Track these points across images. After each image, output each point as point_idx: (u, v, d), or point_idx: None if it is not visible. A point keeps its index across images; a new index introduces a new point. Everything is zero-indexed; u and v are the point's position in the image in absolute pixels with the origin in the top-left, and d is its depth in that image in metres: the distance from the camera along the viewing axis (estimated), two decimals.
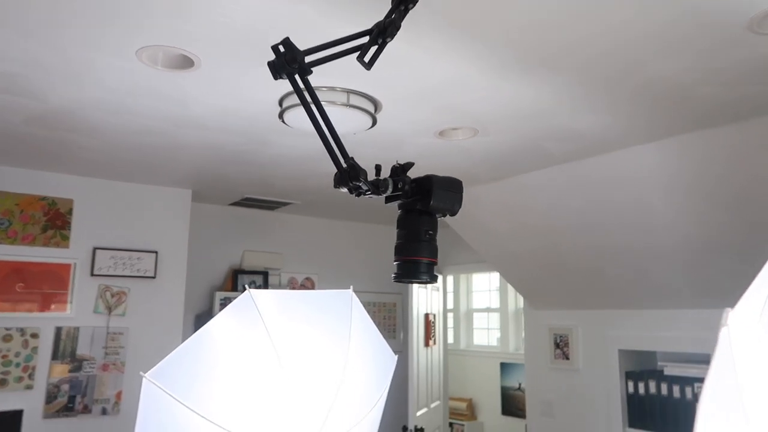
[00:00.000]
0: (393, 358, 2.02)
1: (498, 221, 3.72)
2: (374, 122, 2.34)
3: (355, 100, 2.18)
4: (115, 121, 2.56)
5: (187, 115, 2.46)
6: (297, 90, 1.11)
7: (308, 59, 1.14)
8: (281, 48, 1.09)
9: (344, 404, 1.75)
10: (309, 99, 1.11)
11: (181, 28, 1.72)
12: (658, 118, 2.43)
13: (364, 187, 1.14)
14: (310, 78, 1.13)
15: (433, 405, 5.01)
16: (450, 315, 6.54)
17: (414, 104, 2.31)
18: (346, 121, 2.21)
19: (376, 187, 1.16)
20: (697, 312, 3.34)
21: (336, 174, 1.15)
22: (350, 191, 1.15)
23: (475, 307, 6.73)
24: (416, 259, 1.18)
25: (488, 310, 6.58)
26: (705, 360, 3.28)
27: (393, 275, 1.19)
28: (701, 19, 1.66)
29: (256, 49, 1.83)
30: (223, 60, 1.92)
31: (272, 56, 1.10)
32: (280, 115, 2.31)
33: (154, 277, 3.76)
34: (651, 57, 1.89)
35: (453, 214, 1.19)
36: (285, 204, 4.46)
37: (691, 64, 1.92)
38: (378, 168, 1.23)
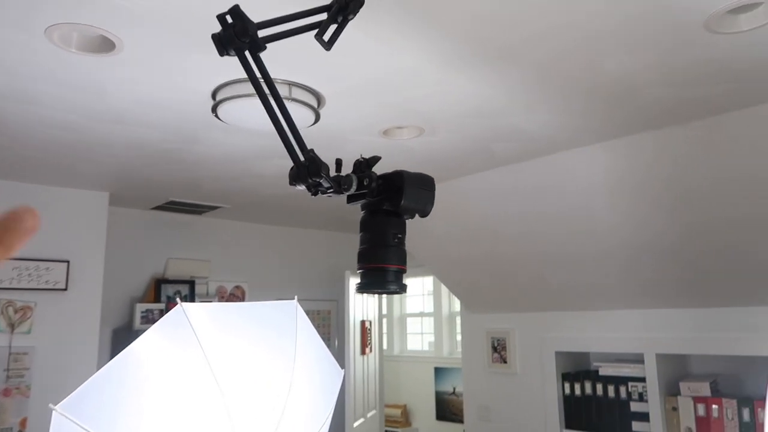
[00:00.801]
0: (340, 374, 1.87)
1: (437, 224, 3.63)
2: (317, 118, 2.18)
3: (298, 93, 2.01)
4: (18, 112, 2.25)
5: (104, 107, 2.20)
6: (248, 69, 0.94)
7: (261, 34, 0.97)
8: (229, 18, 0.92)
9: (289, 429, 1.58)
10: (262, 80, 0.94)
11: (100, 3, 1.49)
12: (609, 118, 2.41)
13: (325, 184, 0.98)
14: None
15: (369, 414, 4.87)
16: (384, 321, 6.43)
17: (359, 99, 2.16)
18: None
19: (338, 184, 1.01)
20: (628, 312, 3.39)
21: (292, 169, 0.99)
22: (308, 189, 0.99)
23: (408, 311, 6.66)
24: (383, 267, 1.03)
25: (422, 314, 6.53)
26: (637, 359, 3.32)
27: (356, 285, 1.04)
28: (661, 16, 1.62)
29: (189, 32, 1.62)
30: (149, 43, 1.70)
31: (208, 33, 0.93)
32: (214, 109, 2.11)
33: (65, 290, 3.40)
34: (609, 55, 1.84)
35: (424, 215, 1.06)
36: (213, 208, 4.19)
37: (648, 62, 1.89)
38: (338, 163, 1.08)
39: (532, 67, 1.92)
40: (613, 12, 1.59)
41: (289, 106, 1.99)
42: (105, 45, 1.70)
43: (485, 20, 1.62)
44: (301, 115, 2.07)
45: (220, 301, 4.42)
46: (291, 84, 1.98)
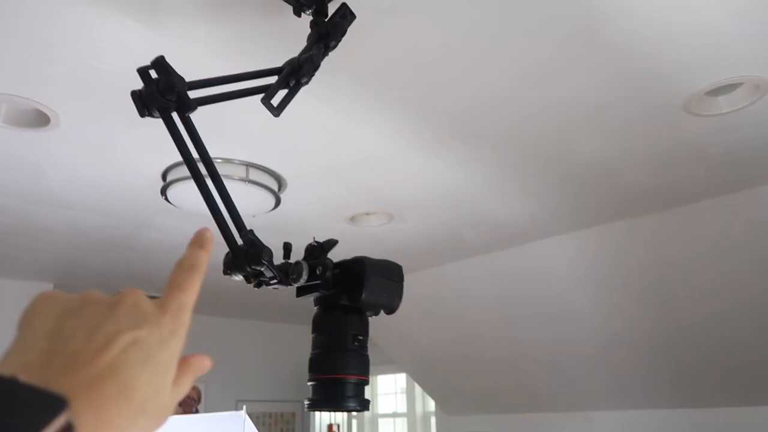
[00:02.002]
0: None
1: (408, 318, 3.41)
2: (277, 203, 2.01)
3: (256, 175, 1.85)
4: None
5: (43, 189, 2.00)
6: (173, 132, 0.77)
7: (193, 95, 0.81)
8: (153, 73, 0.76)
9: None
10: (190, 145, 0.77)
11: (34, 72, 1.34)
12: (581, 207, 2.30)
13: (268, 274, 0.79)
14: (192, 117, 0.80)
15: None
16: (354, 423, 5.99)
17: (324, 182, 2.01)
18: (244, 200, 1.86)
19: (285, 273, 0.82)
20: (615, 414, 3.15)
21: (227, 255, 0.80)
22: (247, 279, 0.80)
23: (380, 412, 6.24)
24: (340, 378, 0.82)
25: (395, 415, 6.11)
26: None
27: (306, 402, 0.83)
28: (640, 98, 1.54)
29: (132, 105, 1.47)
30: (88, 118, 1.54)
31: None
32: (163, 191, 1.93)
33: None
34: (584, 140, 1.75)
35: (391, 311, 0.86)
36: None
37: (625, 147, 1.80)
38: (287, 248, 0.89)
39: (505, 152, 1.81)
40: (589, 97, 1.51)
41: (246, 189, 1.83)
42: (39, 119, 1.54)
43: (457, 104, 1.52)
44: (259, 199, 1.91)
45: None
46: (248, 165, 1.83)
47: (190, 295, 0.41)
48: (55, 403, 0.29)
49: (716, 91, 1.56)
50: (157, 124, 1.55)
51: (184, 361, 0.40)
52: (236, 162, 1.81)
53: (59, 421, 0.28)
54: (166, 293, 0.40)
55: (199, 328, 3.90)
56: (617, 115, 1.61)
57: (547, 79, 1.43)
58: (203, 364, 0.43)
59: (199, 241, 0.46)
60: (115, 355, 0.33)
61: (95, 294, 0.38)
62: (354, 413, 5.25)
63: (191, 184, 1.81)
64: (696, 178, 2.03)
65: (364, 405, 0.82)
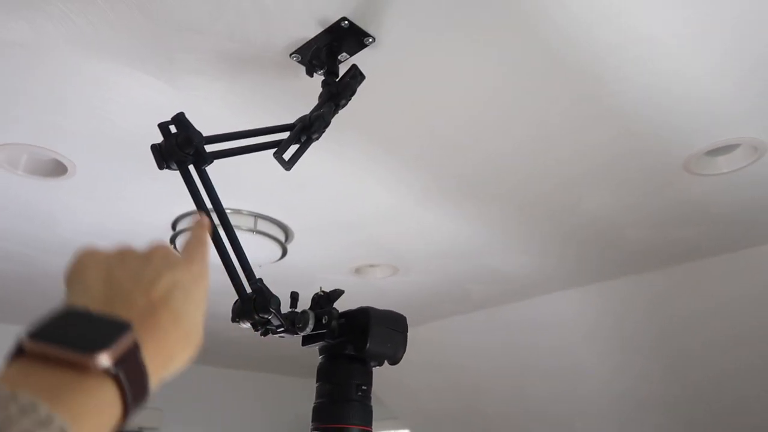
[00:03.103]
0: None
1: (411, 370, 3.37)
2: (284, 253, 2.04)
3: (264, 226, 1.89)
4: None
5: (56, 237, 2.04)
6: (189, 184, 0.81)
7: (209, 149, 0.85)
8: (173, 128, 0.81)
9: None
10: (205, 197, 0.81)
11: (52, 125, 1.39)
12: (585, 262, 2.32)
13: (275, 322, 0.81)
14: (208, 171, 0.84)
15: None
16: None
17: (330, 235, 2.04)
18: (252, 250, 1.88)
19: (292, 322, 0.84)
20: None
21: (236, 303, 0.82)
22: (254, 327, 0.82)
23: None
24: (344, 428, 0.83)
25: None
26: None
27: None
28: (640, 157, 1.58)
29: (145, 157, 1.52)
30: (104, 168, 1.59)
31: None
32: (173, 240, 1.96)
33: None
34: (589, 197, 1.79)
35: (395, 361, 0.87)
36: None
37: (627, 204, 1.83)
38: (294, 297, 0.92)
39: (510, 208, 1.85)
40: (592, 156, 1.56)
41: (254, 239, 1.86)
42: (57, 168, 1.59)
43: (465, 162, 1.57)
44: (266, 250, 1.94)
45: None
46: (257, 216, 1.87)
47: (205, 256, 0.48)
48: (121, 326, 0.35)
49: (715, 152, 1.60)
50: (168, 177, 1.60)
51: None
52: (245, 213, 1.85)
53: (127, 339, 0.34)
54: (188, 248, 0.47)
55: (203, 378, 3.88)
56: (620, 174, 1.65)
57: (554, 140, 1.48)
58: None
59: (198, 225, 0.52)
60: (162, 292, 0.40)
61: (130, 248, 0.44)
62: None
63: None
64: (699, 235, 2.06)
65: None
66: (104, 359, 0.32)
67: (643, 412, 2.78)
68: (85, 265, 0.41)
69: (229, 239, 0.82)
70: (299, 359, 4.25)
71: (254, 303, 0.80)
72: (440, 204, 1.83)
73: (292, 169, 1.58)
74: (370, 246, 2.15)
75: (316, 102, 1.08)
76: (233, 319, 0.82)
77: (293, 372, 4.77)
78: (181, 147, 0.79)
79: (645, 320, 2.55)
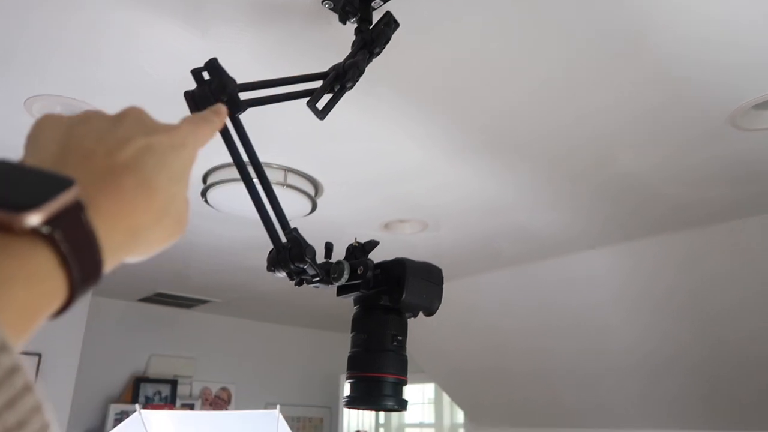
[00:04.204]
0: None
1: (439, 327, 3.40)
2: (314, 207, 2.04)
3: (294, 179, 1.88)
4: None
5: None
6: (223, 132, 0.79)
7: (242, 97, 0.84)
8: (206, 74, 0.79)
9: None
10: (239, 144, 0.80)
11: (85, 77, 1.39)
12: (616, 220, 2.27)
13: (311, 271, 0.81)
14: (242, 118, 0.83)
15: None
16: (381, 431, 5.97)
17: (360, 189, 2.03)
18: (282, 204, 1.88)
19: (327, 272, 0.84)
20: None
21: (271, 252, 0.82)
22: (290, 276, 0.82)
23: (407, 421, 6.20)
24: (379, 377, 0.83)
25: (421, 425, 6.07)
26: None
27: (345, 399, 0.84)
28: (681, 109, 1.52)
29: (176, 108, 1.51)
30: None
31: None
32: (203, 194, 1.97)
33: None
34: (623, 150, 1.73)
35: (430, 313, 0.87)
36: (203, 302, 3.97)
37: (663, 159, 1.77)
38: (328, 248, 0.91)
39: (540, 161, 1.80)
40: (627, 106, 1.49)
41: (284, 193, 1.86)
42: None
43: (495, 114, 1.52)
44: (296, 204, 1.94)
45: (204, 404, 4.08)
46: (287, 170, 1.86)
47: (200, 131, 0.41)
48: (61, 181, 0.29)
49: (764, 105, 1.53)
50: None
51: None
52: (275, 166, 1.84)
53: (66, 196, 0.28)
54: (183, 119, 0.41)
55: (234, 330, 4.00)
56: (657, 126, 1.59)
57: (585, 88, 1.42)
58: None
59: (215, 108, 0.48)
60: (131, 155, 0.34)
61: (97, 111, 0.38)
62: (391, 412, 5.24)
63: (231, 187, 1.86)
64: (739, 193, 1.99)
65: (401, 404, 0.83)
66: (33, 218, 0.26)
67: (668, 372, 2.77)
68: (43, 126, 0.35)
69: (263, 187, 0.81)
70: (330, 314, 4.32)
71: (290, 252, 0.79)
72: (470, 160, 1.79)
73: (323, 122, 1.56)
74: (400, 201, 2.14)
75: (346, 53, 1.04)
76: (269, 268, 0.82)
77: (324, 326, 4.86)
78: (215, 93, 0.77)
79: (676, 280, 2.51)
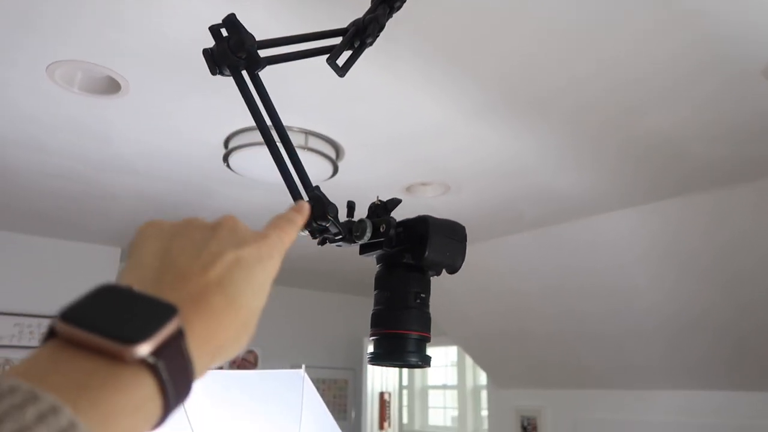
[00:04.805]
0: None
1: (461, 290, 3.41)
2: (335, 171, 2.03)
3: (315, 143, 1.87)
4: (25, 159, 2.16)
5: (111, 155, 2.09)
6: (243, 90, 0.79)
7: (262, 55, 0.83)
8: (224, 31, 0.78)
9: None
10: (259, 103, 0.79)
11: (106, 40, 1.39)
12: (642, 179, 2.22)
13: (333, 230, 0.81)
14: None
15: None
16: (404, 392, 6.08)
17: (381, 152, 2.02)
18: None
19: (349, 230, 0.83)
20: (673, 394, 3.07)
21: None
22: (312, 235, 0.82)
23: (430, 383, 6.30)
24: (402, 334, 0.83)
25: (445, 387, 6.16)
26: None
27: (369, 355, 0.84)
28: (711, 62, 1.46)
29: (197, 71, 1.51)
30: (157, 85, 1.59)
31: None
32: (225, 158, 1.98)
33: None
34: (647, 106, 1.68)
35: (453, 270, 0.86)
36: None
37: (690, 113, 1.72)
38: (351, 206, 0.91)
39: (562, 119, 1.76)
40: (652, 57, 1.44)
41: (305, 156, 1.86)
42: (110, 86, 1.60)
43: (514, 66, 1.48)
44: (317, 167, 1.93)
45: (231, 366, 4.18)
46: (308, 133, 1.85)
47: (286, 236, 0.43)
48: (166, 310, 0.30)
49: None
50: (220, 92, 1.59)
51: None
52: (295, 129, 1.83)
53: (171, 326, 0.30)
54: (270, 224, 0.43)
55: None
56: (686, 81, 1.54)
57: (611, 43, 1.38)
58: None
59: (297, 207, 0.50)
60: (222, 271, 0.35)
61: (197, 219, 0.40)
62: (415, 369, 5.31)
63: (253, 151, 1.86)
64: (766, 151, 1.93)
65: (425, 360, 0.83)
66: (143, 349, 0.28)
67: (693, 332, 2.75)
68: (145, 237, 0.37)
69: (284, 145, 0.81)
70: (353, 279, 4.36)
71: (312, 211, 0.79)
72: (490, 119, 1.76)
73: (343, 84, 1.55)
74: (422, 164, 2.12)
75: (365, 10, 1.02)
76: None
77: (347, 290, 4.91)
78: (234, 50, 0.76)
79: (701, 240, 2.46)
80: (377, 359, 0.83)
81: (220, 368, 3.98)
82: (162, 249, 0.36)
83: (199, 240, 0.37)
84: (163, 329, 0.29)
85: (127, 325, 0.29)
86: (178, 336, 0.30)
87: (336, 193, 2.63)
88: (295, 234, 0.46)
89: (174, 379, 0.29)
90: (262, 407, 1.34)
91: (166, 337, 0.29)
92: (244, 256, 0.37)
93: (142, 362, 0.28)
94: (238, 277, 0.35)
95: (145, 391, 0.28)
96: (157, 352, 0.29)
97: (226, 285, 0.34)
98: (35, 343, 3.13)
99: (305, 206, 0.50)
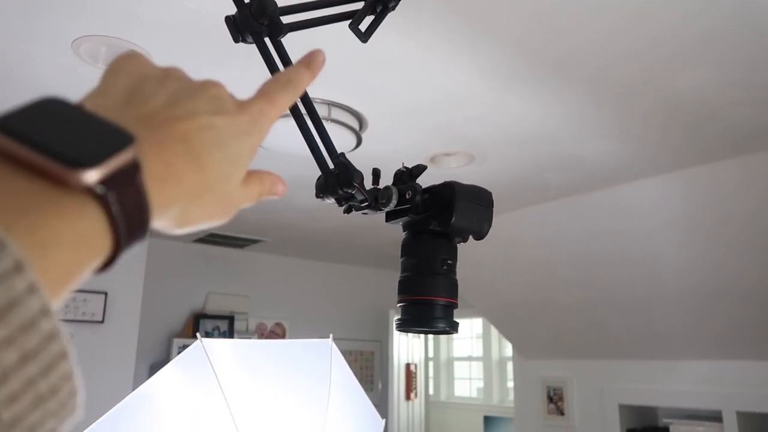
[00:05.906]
0: (379, 424, 1.65)
1: (487, 261, 3.40)
2: (359, 142, 2.03)
3: (338, 114, 1.87)
4: None
5: None
6: (266, 56, 0.78)
7: (284, 21, 0.82)
8: None
9: None
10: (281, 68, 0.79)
11: (129, 12, 1.39)
12: (671, 146, 2.17)
13: (359, 197, 0.81)
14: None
15: None
16: (430, 364, 6.14)
17: (405, 122, 2.00)
18: None
19: (375, 198, 0.83)
20: (702, 363, 3.04)
21: (319, 178, 0.82)
22: (338, 202, 0.82)
23: (456, 355, 6.35)
24: (429, 300, 0.84)
25: (470, 359, 6.20)
26: (714, 417, 2.96)
27: (396, 321, 0.85)
28: (749, 22, 1.40)
29: (220, 44, 1.51)
30: (180, 56, 1.59)
31: (243, 46, 0.78)
32: None
33: (101, 322, 3.32)
34: (680, 66, 1.63)
35: (480, 236, 0.86)
36: (254, 242, 4.08)
37: (726, 79, 1.66)
38: (376, 174, 0.90)
39: (588, 81, 1.72)
40: (686, 20, 1.39)
41: (328, 128, 1.85)
42: None
43: (538, 28, 1.45)
44: (341, 138, 1.93)
45: (260, 338, 4.27)
46: (330, 104, 1.85)
47: (275, 107, 0.38)
48: (122, 137, 0.27)
49: None
50: (244, 62, 1.58)
51: (257, 174, 0.39)
52: (318, 101, 1.83)
53: (125, 155, 0.26)
54: (252, 98, 0.38)
55: (285, 268, 4.09)
56: (718, 42, 1.49)
57: (638, 4, 1.33)
58: (276, 185, 0.41)
59: (306, 60, 0.43)
60: (190, 128, 0.32)
61: (180, 71, 0.36)
62: (440, 335, 5.36)
63: (277, 124, 1.86)
64: None
65: (453, 326, 0.83)
66: (91, 176, 0.25)
67: (719, 300, 2.71)
68: (119, 69, 0.34)
69: (307, 112, 0.80)
70: (378, 252, 4.38)
71: (338, 177, 0.79)
72: (513, 85, 1.73)
73: (365, 52, 1.53)
74: (445, 133, 2.10)
75: None
76: (317, 195, 0.82)
77: (372, 264, 4.94)
78: (255, 16, 0.75)
79: (730, 206, 2.41)
80: (405, 325, 0.83)
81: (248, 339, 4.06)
82: (133, 87, 0.33)
83: (175, 92, 0.33)
84: (116, 156, 0.26)
85: (74, 146, 0.25)
86: (134, 168, 0.27)
87: (360, 164, 2.62)
88: (292, 99, 0.40)
89: (126, 213, 0.26)
90: (292, 374, 1.37)
91: (119, 165, 0.26)
92: (217, 124, 0.33)
93: (89, 191, 0.25)
94: (207, 138, 0.32)
95: (92, 222, 0.25)
96: (107, 182, 0.25)
97: (190, 140, 0.31)
98: (70, 316, 3.23)
99: (318, 56, 0.42)
